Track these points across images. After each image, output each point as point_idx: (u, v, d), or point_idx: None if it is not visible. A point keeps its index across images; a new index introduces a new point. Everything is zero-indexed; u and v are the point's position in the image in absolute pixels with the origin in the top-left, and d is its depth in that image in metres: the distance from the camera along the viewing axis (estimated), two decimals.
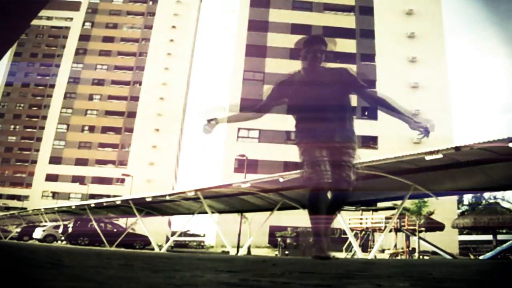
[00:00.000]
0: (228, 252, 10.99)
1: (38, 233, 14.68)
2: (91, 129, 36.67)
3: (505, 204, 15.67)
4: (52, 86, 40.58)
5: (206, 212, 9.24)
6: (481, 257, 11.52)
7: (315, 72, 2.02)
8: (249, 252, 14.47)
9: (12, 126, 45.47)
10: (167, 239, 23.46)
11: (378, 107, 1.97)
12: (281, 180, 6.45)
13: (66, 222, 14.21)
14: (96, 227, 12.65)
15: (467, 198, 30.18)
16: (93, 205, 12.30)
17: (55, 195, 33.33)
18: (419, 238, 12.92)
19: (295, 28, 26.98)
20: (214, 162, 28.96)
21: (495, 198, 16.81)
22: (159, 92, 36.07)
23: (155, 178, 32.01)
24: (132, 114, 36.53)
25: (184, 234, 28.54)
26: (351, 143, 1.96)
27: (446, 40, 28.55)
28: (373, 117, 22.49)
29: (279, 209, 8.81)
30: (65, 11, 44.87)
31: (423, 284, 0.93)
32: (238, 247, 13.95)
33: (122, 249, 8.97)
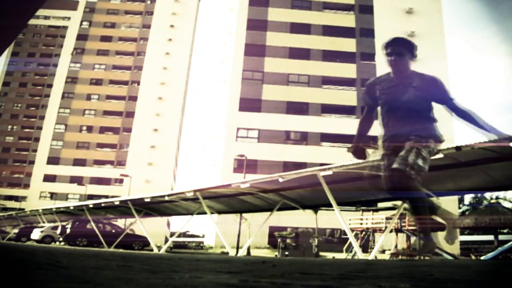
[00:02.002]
0: (227, 253, 10.96)
1: (36, 234, 14.60)
2: (89, 129, 36.52)
3: (506, 204, 15.67)
4: (50, 85, 40.40)
5: (205, 213, 9.22)
6: (482, 258, 11.52)
7: (401, 75, 2.05)
8: (248, 252, 14.45)
9: (9, 126, 45.22)
10: (166, 240, 23.39)
11: (463, 120, 2.03)
12: (280, 180, 6.44)
13: (64, 223, 14.14)
14: (95, 228, 12.59)
15: (468, 198, 30.19)
16: (91, 206, 12.24)
17: (53, 195, 33.18)
18: (420, 238, 12.85)
19: (295, 27, 26.97)
20: (213, 162, 28.91)
21: (496, 198, 16.81)
22: (157, 92, 35.97)
23: (154, 179, 31.92)
24: (130, 114, 36.41)
25: (183, 234, 28.48)
26: (418, 142, 1.96)
27: (447, 39, 28.61)
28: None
29: (279, 209, 8.79)
30: (62, 11, 44.66)
31: (424, 285, 0.92)
32: (238, 247, 13.93)
33: (121, 250, 8.92)
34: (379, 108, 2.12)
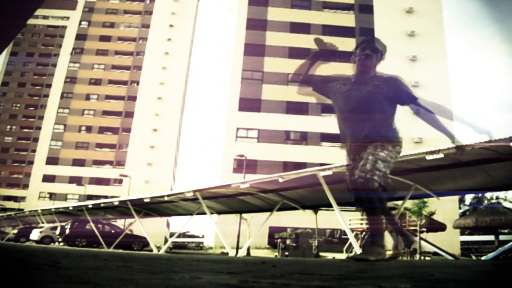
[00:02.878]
0: (227, 253, 10.97)
1: (35, 235, 14.58)
2: (88, 129, 36.49)
3: (507, 204, 15.65)
4: (49, 85, 40.36)
5: (205, 213, 9.22)
6: (483, 258, 11.53)
7: (364, 76, 2.06)
8: (248, 253, 14.46)
9: (8, 127, 45.17)
10: (166, 240, 23.38)
11: (426, 121, 2.02)
12: (280, 180, 6.44)
13: (63, 223, 14.11)
14: (94, 228, 12.59)
15: (469, 198, 30.18)
16: (90, 206, 12.23)
17: (52, 196, 33.13)
18: (421, 238, 12.93)
19: (294, 27, 27.00)
20: (213, 162, 28.91)
21: (497, 198, 16.83)
22: (156, 92, 35.96)
23: (153, 179, 31.91)
24: (129, 114, 36.39)
25: (183, 235, 28.46)
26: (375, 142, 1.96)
27: (447, 39, 28.65)
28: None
29: (279, 209, 8.79)
30: (61, 10, 44.64)
31: (424, 285, 0.92)
32: (238, 248, 13.92)
33: (120, 251, 8.93)
34: (337, 108, 2.12)
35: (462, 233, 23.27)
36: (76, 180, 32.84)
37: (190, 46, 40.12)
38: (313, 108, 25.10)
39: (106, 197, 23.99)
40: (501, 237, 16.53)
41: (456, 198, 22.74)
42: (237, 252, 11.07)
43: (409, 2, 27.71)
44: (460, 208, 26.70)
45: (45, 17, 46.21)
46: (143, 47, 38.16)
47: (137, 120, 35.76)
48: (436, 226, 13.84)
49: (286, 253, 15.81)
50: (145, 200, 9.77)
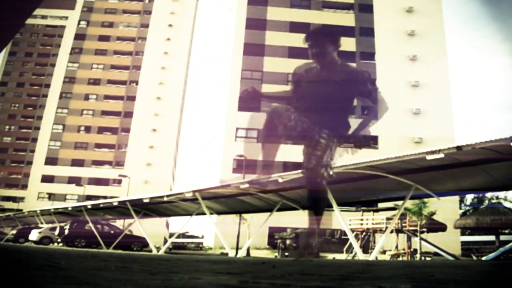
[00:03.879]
0: (227, 254, 10.95)
1: (34, 235, 14.54)
2: (87, 129, 36.42)
3: (507, 204, 15.63)
4: (48, 85, 40.26)
5: (204, 213, 9.21)
6: (483, 258, 11.53)
7: (324, 68, 1.96)
8: (248, 253, 14.45)
9: (7, 127, 45.04)
10: (165, 241, 23.36)
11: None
12: (280, 180, 6.43)
13: (62, 224, 14.08)
14: (93, 228, 12.57)
15: (469, 198, 30.13)
16: (89, 207, 12.21)
17: (51, 196, 33.04)
18: (421, 239, 12.90)
19: (294, 27, 26.98)
20: (213, 162, 28.89)
21: (497, 198, 16.78)
22: (156, 92, 35.90)
23: (153, 179, 31.86)
24: (128, 114, 36.33)
25: (182, 235, 28.42)
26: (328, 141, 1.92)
27: (447, 38, 28.61)
28: (373, 116, 22.37)
29: (279, 210, 8.79)
30: (60, 10, 44.53)
31: (425, 286, 0.91)
32: (237, 248, 13.90)
33: (120, 251, 8.92)
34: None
35: (462, 233, 23.19)
36: (75, 181, 32.75)
37: (189, 46, 40.06)
38: None
39: (105, 197, 23.90)
40: (502, 237, 16.49)
41: (456, 198, 22.68)
42: (236, 253, 11.05)
43: (409, 2, 27.70)
44: (460, 208, 26.64)
45: (43, 17, 46.08)
46: (142, 47, 38.09)
47: (136, 120, 35.69)
48: (437, 226, 13.82)
49: (286, 254, 15.80)
50: (145, 201, 9.76)
